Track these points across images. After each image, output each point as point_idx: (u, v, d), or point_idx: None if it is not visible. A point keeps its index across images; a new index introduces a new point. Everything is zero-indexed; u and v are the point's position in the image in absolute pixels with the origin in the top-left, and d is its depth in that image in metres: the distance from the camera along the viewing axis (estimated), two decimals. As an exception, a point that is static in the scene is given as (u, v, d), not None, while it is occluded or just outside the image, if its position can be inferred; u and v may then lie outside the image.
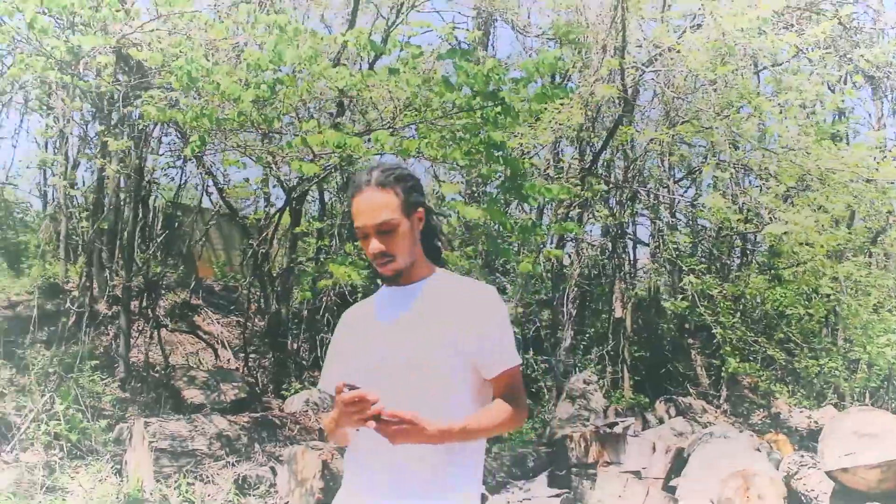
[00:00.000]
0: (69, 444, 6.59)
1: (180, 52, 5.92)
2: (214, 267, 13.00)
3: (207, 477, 6.40)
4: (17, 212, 12.10)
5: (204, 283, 12.13)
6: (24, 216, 12.26)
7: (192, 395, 7.91)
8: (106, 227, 9.43)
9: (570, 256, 11.91)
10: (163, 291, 11.09)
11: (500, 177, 7.30)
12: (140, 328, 9.70)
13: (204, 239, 12.11)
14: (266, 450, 6.94)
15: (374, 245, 2.06)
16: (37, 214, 12.19)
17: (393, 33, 9.97)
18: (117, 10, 5.92)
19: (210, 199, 11.69)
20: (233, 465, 6.62)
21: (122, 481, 6.35)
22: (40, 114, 10.33)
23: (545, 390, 10.36)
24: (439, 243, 2.24)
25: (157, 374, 8.79)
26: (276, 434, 7.32)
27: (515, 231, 7.72)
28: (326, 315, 10.37)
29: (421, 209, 2.13)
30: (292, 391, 9.12)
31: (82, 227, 9.51)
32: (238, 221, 10.25)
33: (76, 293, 8.76)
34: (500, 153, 7.16)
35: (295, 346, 10.52)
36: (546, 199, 9.40)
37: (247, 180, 10.27)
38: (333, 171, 8.81)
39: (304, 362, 10.41)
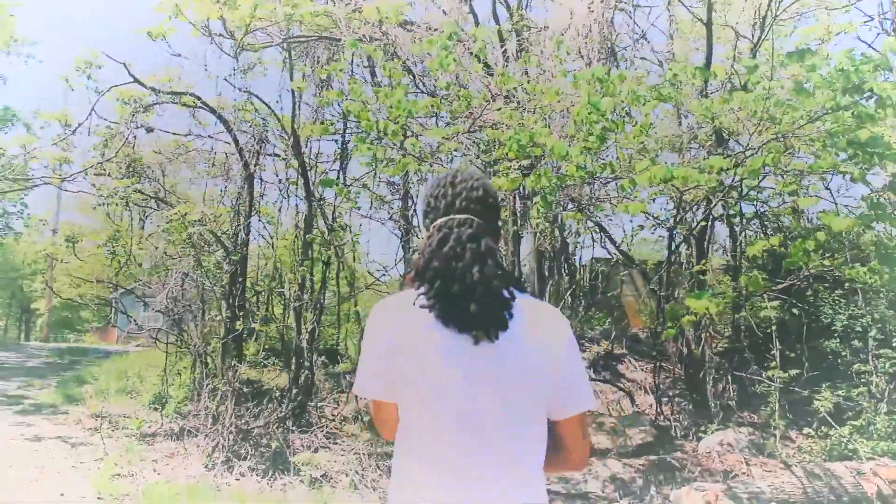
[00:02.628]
0: None
1: (518, 123, 6.51)
2: (643, 315, 13.31)
3: (600, 518, 6.62)
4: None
5: (630, 332, 12.50)
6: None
7: (599, 440, 8.19)
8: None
9: None
10: (588, 344, 11.73)
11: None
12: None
13: (620, 290, 12.48)
14: (661, 492, 6.90)
15: None
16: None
17: (764, 46, 9.46)
18: (469, 101, 6.79)
19: (607, 251, 11.92)
20: (626, 506, 6.74)
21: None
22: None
23: None
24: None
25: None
26: (674, 476, 7.23)
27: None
28: (737, 356, 9.94)
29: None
30: (709, 433, 8.89)
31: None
32: (637, 268, 10.44)
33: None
34: (877, 151, 6.32)
35: (719, 387, 10.23)
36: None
37: (641, 227, 10.45)
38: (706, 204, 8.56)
39: (729, 403, 10.06)
